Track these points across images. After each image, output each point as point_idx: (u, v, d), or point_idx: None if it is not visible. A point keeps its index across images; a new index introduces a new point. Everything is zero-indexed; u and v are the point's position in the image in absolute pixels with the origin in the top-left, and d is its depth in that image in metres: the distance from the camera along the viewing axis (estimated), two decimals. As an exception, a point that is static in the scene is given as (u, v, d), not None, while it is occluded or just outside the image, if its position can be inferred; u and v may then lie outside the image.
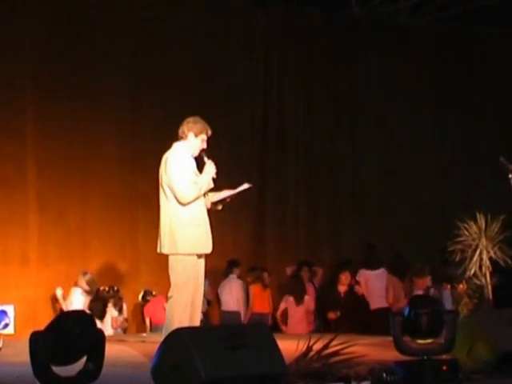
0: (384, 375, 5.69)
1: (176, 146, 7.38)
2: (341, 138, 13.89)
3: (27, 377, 5.45)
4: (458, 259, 9.35)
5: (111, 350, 7.40)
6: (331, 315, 11.27)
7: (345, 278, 11.46)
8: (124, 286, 11.57)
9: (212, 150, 7.49)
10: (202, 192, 7.21)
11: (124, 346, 8.73)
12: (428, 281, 10.79)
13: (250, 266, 12.14)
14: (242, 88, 13.04)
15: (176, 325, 6.66)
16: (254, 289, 11.79)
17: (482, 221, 9.36)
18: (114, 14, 12.05)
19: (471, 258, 9.27)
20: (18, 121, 11.34)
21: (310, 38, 13.66)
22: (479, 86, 14.33)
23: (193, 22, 12.57)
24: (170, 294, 7.19)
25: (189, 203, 7.13)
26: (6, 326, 9.39)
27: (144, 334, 10.64)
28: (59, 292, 10.86)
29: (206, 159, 7.30)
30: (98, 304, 10.96)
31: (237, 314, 11.68)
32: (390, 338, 6.07)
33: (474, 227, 9.37)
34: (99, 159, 11.85)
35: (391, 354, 6.50)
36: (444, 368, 5.81)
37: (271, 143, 13.33)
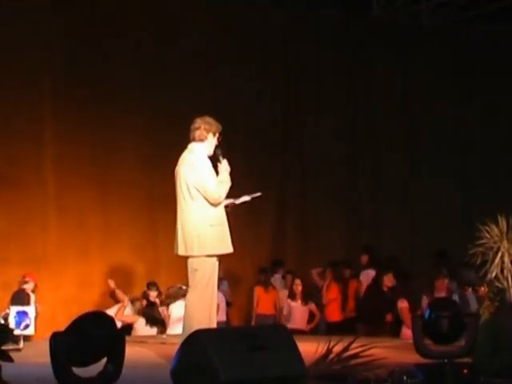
0: (404, 378, 5.67)
1: (195, 147, 7.35)
2: (360, 140, 13.86)
3: (47, 378, 5.47)
4: (479, 262, 9.29)
5: (131, 352, 7.42)
6: (388, 317, 11.14)
7: (388, 280, 11.35)
8: (142, 288, 11.57)
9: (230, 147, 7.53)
10: (227, 191, 7.23)
11: (144, 348, 8.74)
12: (446, 282, 10.78)
13: (260, 268, 12.18)
14: (260, 88, 13.02)
15: (195, 326, 6.66)
16: (258, 290, 11.87)
17: (503, 223, 9.30)
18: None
19: (492, 261, 9.20)
20: (37, 123, 11.40)
21: (331, 40, 13.63)
22: (502, 86, 14.24)
23: (210, 22, 12.59)
24: (188, 296, 7.18)
25: (220, 203, 7.17)
26: (27, 326, 9.42)
27: (164, 336, 10.65)
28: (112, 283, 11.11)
29: (221, 157, 7.32)
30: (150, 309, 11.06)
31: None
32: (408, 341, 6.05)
33: (496, 230, 9.31)
34: (118, 160, 11.89)
35: (411, 357, 6.47)
36: (465, 371, 5.78)
37: (291, 145, 13.33)
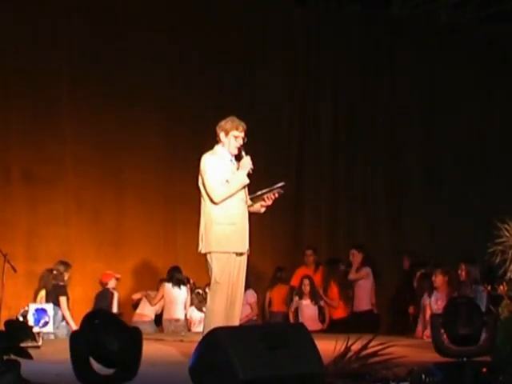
0: (423, 377, 5.65)
1: (215, 148, 7.46)
2: (379, 139, 13.81)
3: (66, 375, 5.48)
4: (498, 260, 9.24)
5: (150, 349, 7.44)
6: (411, 310, 11.12)
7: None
8: (156, 286, 11.60)
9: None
10: (235, 189, 7.21)
11: (162, 345, 8.76)
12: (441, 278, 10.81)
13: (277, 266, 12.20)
14: (281, 85, 13.02)
15: (212, 323, 6.69)
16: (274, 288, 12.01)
17: (522, 221, 9.25)
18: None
19: None
20: (56, 122, 11.46)
21: (349, 37, 13.60)
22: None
23: (231, 21, 12.60)
24: (208, 293, 7.24)
25: (221, 202, 7.18)
26: (46, 324, 9.47)
27: (182, 333, 10.67)
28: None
29: (243, 154, 7.30)
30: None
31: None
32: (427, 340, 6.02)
33: (515, 228, 9.26)
34: (136, 158, 11.93)
35: (430, 356, 6.46)
36: (484, 370, 5.75)
37: (309, 143, 13.31)
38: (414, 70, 13.91)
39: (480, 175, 13.89)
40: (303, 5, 13.22)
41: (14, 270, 10.06)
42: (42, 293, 10.60)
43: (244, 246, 7.24)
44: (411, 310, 11.05)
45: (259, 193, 7.35)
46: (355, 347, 6.07)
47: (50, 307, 9.79)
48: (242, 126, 7.37)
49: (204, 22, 12.40)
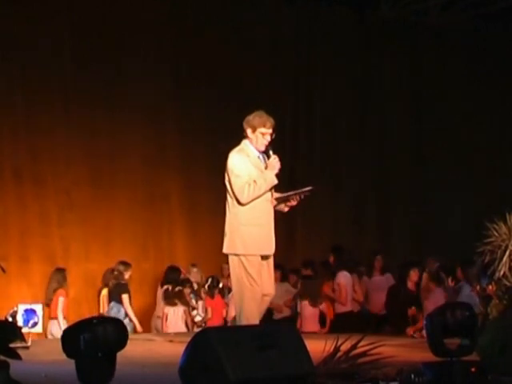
0: (412, 376, 5.65)
1: (243, 143, 7.18)
2: (367, 139, 13.84)
3: (55, 376, 5.48)
4: (487, 260, 9.26)
5: (139, 350, 7.43)
6: (411, 311, 11.09)
7: (414, 275, 11.28)
8: (146, 285, 11.59)
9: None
10: (263, 190, 6.99)
11: (152, 346, 8.74)
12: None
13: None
14: (269, 84, 13.03)
15: (246, 321, 6.75)
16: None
17: (511, 221, 9.27)
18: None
19: (500, 259, 9.17)
20: (48, 122, 11.48)
21: (339, 37, 13.63)
22: (510, 84, 14.23)
23: (217, 21, 12.62)
24: (233, 296, 7.24)
25: (248, 203, 6.97)
26: (35, 324, 9.45)
27: (172, 334, 10.66)
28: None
29: (271, 153, 7.08)
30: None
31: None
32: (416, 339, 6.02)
33: (504, 228, 9.27)
34: (126, 158, 11.96)
35: (419, 355, 6.46)
36: (473, 370, 5.76)
37: (301, 140, 13.33)
38: (403, 70, 13.95)
39: (468, 176, 13.93)
40: (292, 4, 13.23)
41: (3, 271, 10.04)
42: (104, 291, 11.03)
43: (270, 248, 7.08)
44: (412, 311, 11.01)
45: (286, 195, 7.16)
46: (345, 347, 6.07)
47: (39, 308, 9.77)
48: (270, 122, 7.10)
49: (190, 22, 12.43)
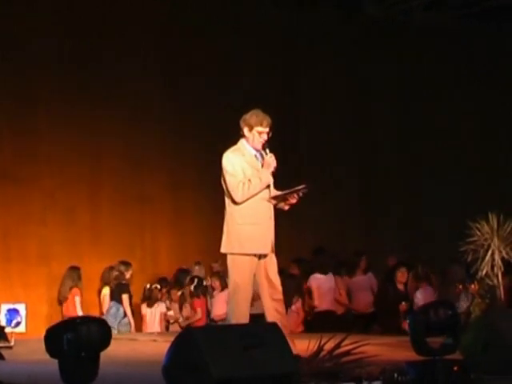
0: (395, 375, 5.67)
1: (239, 142, 7.13)
2: (352, 138, 13.87)
3: (39, 375, 5.47)
4: (469, 259, 9.31)
5: (123, 350, 7.43)
6: (402, 306, 11.05)
7: (401, 275, 11.27)
8: (132, 285, 11.58)
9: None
10: (258, 188, 6.92)
11: (136, 345, 8.74)
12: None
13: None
14: (256, 85, 13.04)
15: (235, 320, 6.69)
16: None
17: (494, 221, 9.32)
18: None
19: (483, 259, 9.23)
20: (31, 122, 11.45)
21: (324, 37, 13.64)
22: (498, 83, 14.29)
23: (206, 22, 12.62)
24: (228, 294, 7.13)
25: (243, 202, 6.91)
26: (18, 324, 9.43)
27: (156, 333, 10.66)
28: None
29: (267, 151, 7.02)
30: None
31: None
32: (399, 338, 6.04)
33: (486, 227, 9.33)
34: (110, 158, 11.93)
35: (403, 354, 6.49)
36: (456, 368, 5.78)
37: (287, 144, 13.33)
38: (388, 69, 13.98)
39: (455, 175, 13.99)
40: (278, 5, 13.23)
41: None
42: (104, 290, 11.25)
43: (266, 248, 6.98)
44: (403, 306, 11.01)
45: (281, 193, 7.08)
46: (328, 346, 6.09)
47: (22, 307, 9.76)
48: (267, 120, 7.05)
49: (177, 23, 12.42)
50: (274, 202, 7.08)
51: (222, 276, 11.63)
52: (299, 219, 12.53)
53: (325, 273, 11.56)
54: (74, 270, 11.19)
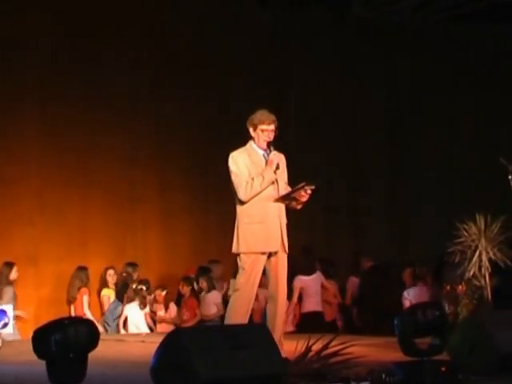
0: (383, 376, 5.68)
1: (249, 143, 7.18)
2: (340, 140, 13.88)
3: (26, 377, 5.45)
4: (457, 260, 9.33)
5: (111, 351, 7.42)
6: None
7: (407, 276, 11.25)
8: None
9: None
10: (262, 187, 6.95)
11: (124, 346, 8.73)
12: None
13: None
14: (244, 85, 13.04)
15: (232, 321, 6.73)
16: None
17: (481, 222, 9.34)
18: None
19: (470, 259, 9.25)
20: (20, 121, 11.41)
21: (313, 37, 13.65)
22: (482, 85, 14.33)
23: (192, 24, 12.62)
24: (231, 291, 7.21)
25: (249, 200, 6.95)
26: (5, 325, 9.40)
27: (144, 334, 10.65)
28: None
29: (271, 149, 7.04)
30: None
31: None
32: (387, 339, 6.06)
33: (474, 228, 9.35)
34: (100, 159, 11.92)
35: (390, 355, 6.50)
36: (443, 369, 5.80)
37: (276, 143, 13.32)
38: (377, 71, 14.00)
39: (442, 176, 14.03)
40: (266, 6, 13.23)
41: None
42: (104, 291, 11.40)
43: (272, 246, 6.99)
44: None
45: (283, 194, 7.07)
46: (316, 347, 6.10)
47: (9, 308, 9.73)
48: (271, 118, 7.07)
49: (166, 25, 12.42)
50: (281, 202, 7.08)
51: (210, 277, 11.65)
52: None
53: (310, 274, 11.51)
54: (82, 270, 11.29)
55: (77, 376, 5.01)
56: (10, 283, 10.70)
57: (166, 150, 12.33)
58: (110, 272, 11.49)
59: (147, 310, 11.24)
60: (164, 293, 11.47)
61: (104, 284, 11.52)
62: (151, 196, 12.25)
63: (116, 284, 11.47)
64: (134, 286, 11.22)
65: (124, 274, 11.36)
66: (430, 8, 13.99)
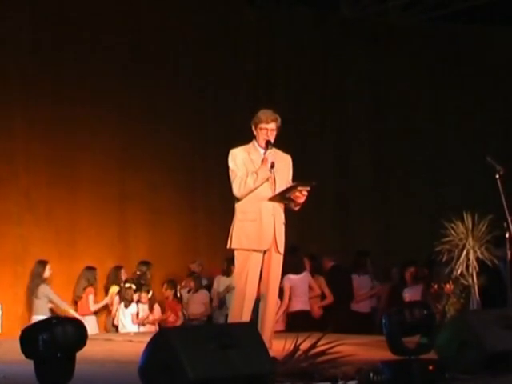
0: (371, 375, 5.68)
1: (252, 141, 7.24)
2: (328, 139, 13.90)
3: (14, 377, 5.44)
4: (444, 259, 9.34)
5: (99, 350, 7.41)
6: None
7: (409, 275, 11.26)
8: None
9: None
10: (256, 184, 6.99)
11: (112, 346, 8.72)
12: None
13: None
14: (231, 86, 13.05)
15: (232, 319, 6.85)
16: None
17: (469, 220, 9.35)
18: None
19: (458, 258, 9.25)
20: (7, 120, 11.37)
21: (300, 38, 13.67)
22: (468, 85, 14.38)
23: (179, 23, 12.61)
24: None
25: (244, 196, 7.02)
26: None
27: (132, 333, 10.63)
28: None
29: (269, 147, 7.07)
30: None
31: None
32: (375, 338, 6.06)
33: (461, 227, 9.36)
34: (88, 156, 11.90)
35: (378, 354, 6.50)
36: (431, 368, 5.81)
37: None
38: (363, 71, 14.03)
39: (430, 175, 14.06)
40: (253, 5, 13.24)
41: None
42: (112, 289, 11.36)
43: (264, 244, 7.02)
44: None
45: (276, 194, 7.07)
46: (304, 346, 6.10)
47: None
48: (271, 117, 7.11)
49: (154, 22, 12.41)
50: (276, 201, 7.09)
51: (198, 276, 11.65)
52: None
53: (298, 273, 11.51)
54: (90, 270, 11.34)
55: (65, 376, 5.01)
56: (44, 281, 10.81)
57: (155, 148, 12.31)
58: (122, 271, 11.50)
59: (134, 309, 11.22)
60: (150, 295, 11.46)
61: (115, 281, 11.48)
62: (141, 195, 12.23)
63: (117, 282, 11.42)
64: (121, 285, 11.22)
65: (138, 273, 11.36)
66: (418, 8, 14.05)
